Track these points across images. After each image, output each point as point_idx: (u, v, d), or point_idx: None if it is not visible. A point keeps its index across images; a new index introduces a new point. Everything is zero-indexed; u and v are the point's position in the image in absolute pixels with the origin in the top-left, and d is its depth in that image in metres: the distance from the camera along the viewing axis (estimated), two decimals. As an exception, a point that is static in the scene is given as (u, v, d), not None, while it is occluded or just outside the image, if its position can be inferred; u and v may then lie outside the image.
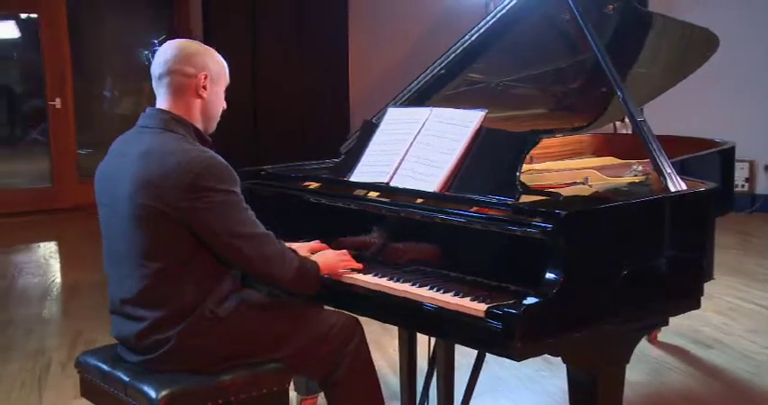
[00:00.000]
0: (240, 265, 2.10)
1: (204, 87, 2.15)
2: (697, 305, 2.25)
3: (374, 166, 2.54)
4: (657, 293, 2.12)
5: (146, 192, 1.99)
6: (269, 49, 8.25)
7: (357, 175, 2.56)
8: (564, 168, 3.21)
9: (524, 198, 2.19)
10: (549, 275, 1.94)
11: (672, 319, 3.91)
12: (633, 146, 3.81)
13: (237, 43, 8.10)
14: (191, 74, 2.13)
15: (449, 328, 2.05)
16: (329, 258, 2.27)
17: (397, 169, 2.47)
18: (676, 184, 2.27)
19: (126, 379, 2.05)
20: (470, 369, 2.66)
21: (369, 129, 2.68)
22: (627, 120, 8.44)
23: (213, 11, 8.09)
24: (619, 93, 2.49)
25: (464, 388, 2.66)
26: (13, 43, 7.87)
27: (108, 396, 2.11)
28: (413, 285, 2.15)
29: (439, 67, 2.87)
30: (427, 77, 2.88)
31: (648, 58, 3.63)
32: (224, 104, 2.27)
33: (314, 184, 2.71)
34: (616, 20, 3.44)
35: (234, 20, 8.14)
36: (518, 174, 2.22)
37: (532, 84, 3.57)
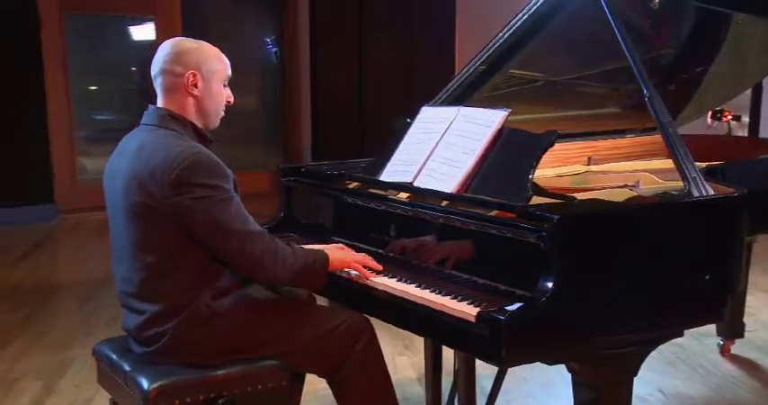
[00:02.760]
0: (227, 261, 2.09)
1: (194, 85, 2.15)
2: (719, 318, 2.13)
3: (402, 165, 2.54)
4: (666, 305, 2.01)
5: (136, 187, 2.04)
6: (375, 49, 8.31)
7: (386, 174, 2.55)
8: (621, 170, 3.11)
9: (539, 201, 2.14)
10: (542, 282, 1.88)
11: (753, 332, 3.75)
12: (712, 147, 3.65)
13: (344, 42, 8.21)
14: (179, 73, 2.14)
15: (443, 331, 2.02)
16: (339, 253, 2.27)
17: (421, 169, 2.45)
18: (701, 190, 2.15)
19: (127, 369, 2.11)
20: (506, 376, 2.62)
21: (403, 128, 2.68)
22: (743, 119, 8.02)
23: (320, 11, 8.23)
24: (645, 92, 2.37)
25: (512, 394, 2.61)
26: (149, 45, 8.17)
27: (115, 385, 2.19)
28: (417, 287, 2.13)
29: (479, 63, 2.84)
30: (464, 76, 2.84)
31: (727, 56, 3.46)
32: (228, 99, 2.25)
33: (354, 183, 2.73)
34: (692, 18, 3.32)
35: (340, 20, 8.25)
36: (531, 176, 2.16)
37: (600, 82, 3.47)
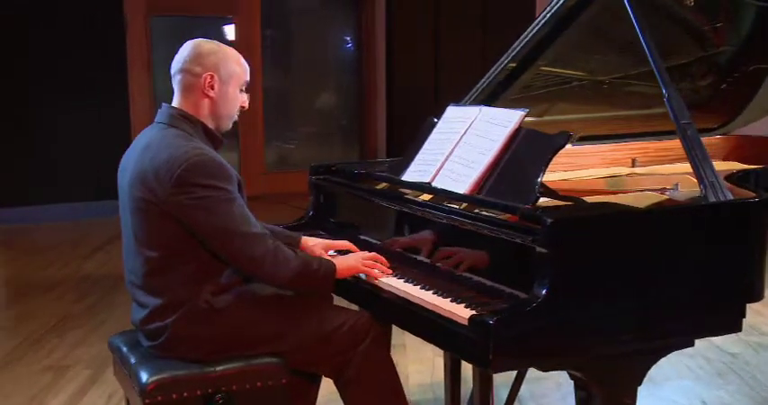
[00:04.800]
0: (228, 261, 2.12)
1: (211, 87, 2.17)
2: (736, 328, 2.02)
3: (423, 165, 2.52)
4: (670, 314, 1.93)
5: (140, 184, 2.08)
6: (451, 45, 8.26)
7: (408, 174, 2.54)
8: (662, 172, 3.01)
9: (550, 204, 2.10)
10: (537, 287, 1.83)
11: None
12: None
13: (420, 39, 8.21)
14: (197, 73, 2.17)
15: (440, 333, 1.98)
16: (350, 260, 2.27)
17: (440, 169, 2.43)
18: (719, 194, 2.05)
19: (132, 362, 2.16)
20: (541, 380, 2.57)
21: (429, 127, 2.66)
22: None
23: (396, 7, 8.25)
24: (664, 92, 2.28)
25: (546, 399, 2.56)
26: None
27: (124, 377, 2.24)
28: (421, 288, 2.11)
29: (509, 61, 2.79)
30: (494, 74, 2.80)
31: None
32: (243, 104, 2.27)
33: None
34: (752, 15, 3.20)
35: (416, 16, 8.25)
36: (539, 178, 2.11)
37: (651, 81, 3.36)
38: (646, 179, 2.88)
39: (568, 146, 3.25)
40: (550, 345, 1.84)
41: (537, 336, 1.81)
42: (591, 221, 1.90)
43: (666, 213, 2.03)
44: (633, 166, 3.20)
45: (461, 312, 1.90)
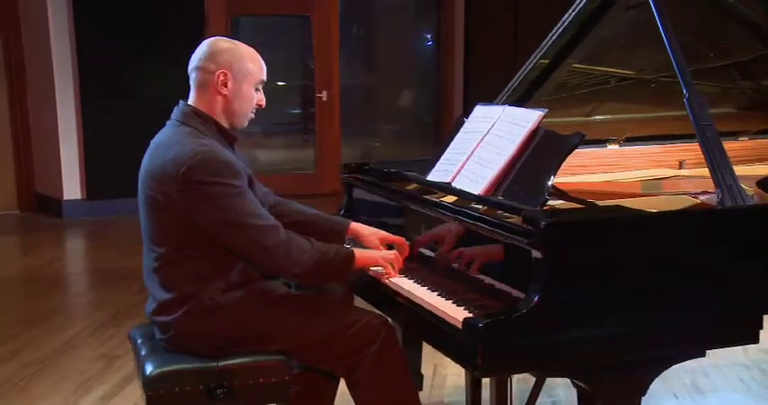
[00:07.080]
0: (241, 255, 2.14)
1: (224, 85, 2.18)
2: (751, 339, 1.93)
3: (447, 164, 2.50)
4: (676, 323, 1.85)
5: (151, 182, 2.13)
6: (530, 49, 8.15)
7: (432, 174, 2.53)
8: (707, 176, 2.89)
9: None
10: (530, 292, 1.79)
11: None
12: None
13: (498, 40, 8.13)
14: (211, 71, 2.18)
15: (436, 334, 1.97)
16: (369, 252, 2.27)
17: (460, 169, 2.41)
18: (735, 199, 1.96)
19: (142, 353, 2.21)
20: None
21: (457, 126, 2.64)
22: None
23: (476, 8, 8.19)
24: (685, 92, 2.19)
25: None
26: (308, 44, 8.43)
27: (137, 368, 2.28)
28: (428, 289, 2.10)
29: (538, 58, 2.74)
30: (524, 73, 2.75)
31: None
32: (259, 102, 2.27)
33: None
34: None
35: (496, 18, 8.17)
36: (549, 180, 2.06)
37: (708, 80, 3.23)
38: (687, 182, 2.77)
39: (616, 146, 3.20)
40: (543, 351, 1.80)
41: (528, 342, 1.77)
42: (587, 225, 1.84)
43: (669, 217, 1.94)
44: (680, 169, 3.09)
45: (457, 314, 1.88)
